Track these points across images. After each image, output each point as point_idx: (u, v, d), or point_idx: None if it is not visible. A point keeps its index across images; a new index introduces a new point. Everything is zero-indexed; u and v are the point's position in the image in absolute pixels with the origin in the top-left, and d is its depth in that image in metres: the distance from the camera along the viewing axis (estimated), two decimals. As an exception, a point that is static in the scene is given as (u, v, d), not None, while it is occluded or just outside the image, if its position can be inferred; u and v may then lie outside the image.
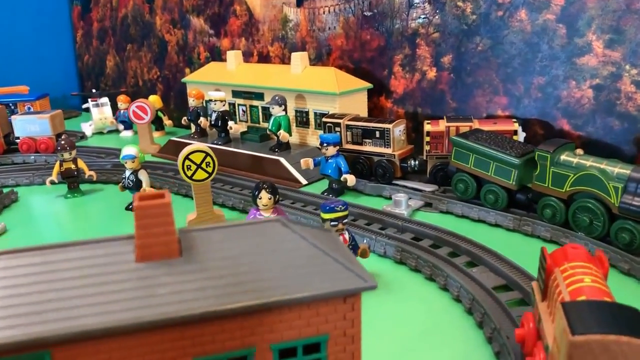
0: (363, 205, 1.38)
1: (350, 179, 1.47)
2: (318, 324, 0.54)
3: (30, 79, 2.87)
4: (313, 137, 1.87)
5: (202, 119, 2.04)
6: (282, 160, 1.73)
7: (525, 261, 1.02)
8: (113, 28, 3.01)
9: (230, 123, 1.90)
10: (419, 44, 1.80)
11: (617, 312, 0.61)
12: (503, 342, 0.80)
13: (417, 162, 1.56)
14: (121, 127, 2.52)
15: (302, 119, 1.90)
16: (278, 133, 1.77)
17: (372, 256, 1.13)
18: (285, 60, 2.19)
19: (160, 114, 2.46)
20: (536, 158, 1.25)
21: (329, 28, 2.03)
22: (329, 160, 1.51)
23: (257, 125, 2.06)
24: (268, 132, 1.84)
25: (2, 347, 0.44)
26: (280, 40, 2.21)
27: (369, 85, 1.87)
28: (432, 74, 1.80)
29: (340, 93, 1.76)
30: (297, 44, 2.15)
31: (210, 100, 1.92)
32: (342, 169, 1.50)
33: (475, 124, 1.50)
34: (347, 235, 1.02)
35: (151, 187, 1.49)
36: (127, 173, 1.47)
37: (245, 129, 2.05)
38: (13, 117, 2.16)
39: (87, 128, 2.54)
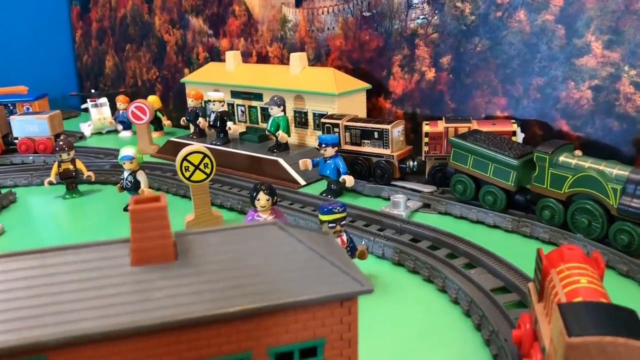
0: (361, 206, 1.38)
1: (349, 180, 1.47)
2: (315, 328, 0.53)
3: (29, 79, 2.87)
4: (312, 138, 1.86)
5: (200, 119, 2.04)
6: (281, 161, 1.73)
7: (524, 262, 1.02)
8: (112, 28, 3.01)
9: (229, 123, 1.90)
10: (418, 45, 1.80)
11: (614, 313, 0.61)
12: (501, 345, 0.79)
13: (415, 163, 1.56)
14: (120, 127, 2.51)
15: (301, 120, 1.90)
16: (277, 134, 1.77)
17: (371, 257, 1.13)
18: (284, 60, 2.18)
19: (159, 114, 2.45)
20: (535, 159, 1.25)
21: (328, 28, 2.03)
22: (328, 161, 1.51)
23: (256, 125, 2.06)
24: (267, 132, 1.84)
25: (-3, 351, 0.44)
26: (279, 41, 2.21)
27: (367, 85, 1.87)
28: (430, 74, 1.80)
29: (339, 94, 1.76)
30: (296, 44, 2.15)
31: (209, 100, 1.92)
32: (341, 169, 1.50)
33: (474, 125, 1.50)
34: (345, 237, 1.02)
35: (149, 187, 1.49)
36: (126, 174, 1.46)
37: (244, 130, 2.05)
38: (12, 117, 2.16)
39: (86, 128, 2.53)
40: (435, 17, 1.74)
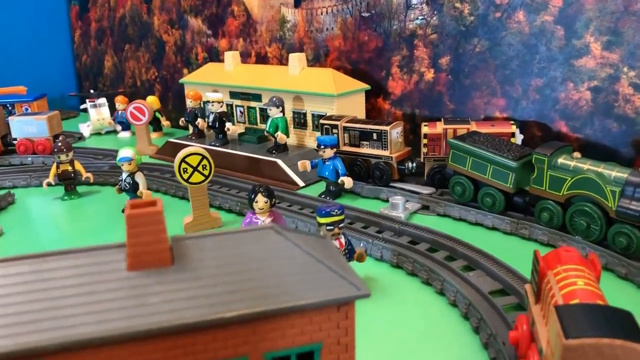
0: (360, 207, 1.38)
1: (348, 182, 1.46)
2: (311, 333, 0.53)
3: (28, 79, 2.86)
4: (310, 139, 1.86)
5: (199, 120, 2.04)
6: (280, 162, 1.72)
7: (522, 265, 1.02)
8: (111, 28, 3.01)
9: (228, 124, 1.90)
10: (417, 45, 1.80)
11: (611, 315, 0.61)
12: (499, 349, 0.79)
13: (414, 165, 1.56)
14: (119, 128, 2.51)
15: (300, 121, 1.89)
16: (275, 135, 1.77)
17: (369, 260, 1.13)
18: (283, 61, 2.18)
19: (158, 115, 2.45)
20: (533, 161, 1.25)
21: (327, 29, 2.03)
22: (326, 163, 1.51)
23: (255, 126, 2.06)
24: (265, 133, 1.84)
25: (-8, 357, 0.44)
26: (278, 41, 2.20)
27: (366, 86, 1.87)
28: (429, 75, 1.80)
29: (337, 94, 1.76)
30: (294, 44, 2.14)
31: (208, 101, 1.92)
32: (340, 171, 1.49)
33: (473, 126, 1.50)
34: (343, 240, 1.02)
35: (148, 189, 1.48)
36: (124, 175, 1.46)
37: (243, 131, 2.04)
38: (10, 118, 2.16)
39: (85, 129, 2.53)
40: (434, 18, 1.74)
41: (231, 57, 2.16)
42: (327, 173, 1.50)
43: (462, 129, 1.49)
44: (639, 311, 0.65)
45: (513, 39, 1.59)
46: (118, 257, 0.53)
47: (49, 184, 1.65)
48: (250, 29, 2.30)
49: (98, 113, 2.55)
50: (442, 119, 1.56)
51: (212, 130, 1.97)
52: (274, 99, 1.77)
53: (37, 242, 1.38)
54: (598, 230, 1.14)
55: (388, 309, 0.98)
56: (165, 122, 2.49)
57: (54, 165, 1.65)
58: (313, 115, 1.85)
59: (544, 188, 1.23)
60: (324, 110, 1.79)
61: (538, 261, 0.77)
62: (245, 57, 2.30)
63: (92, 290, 0.50)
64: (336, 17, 1.99)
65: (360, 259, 1.02)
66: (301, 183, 1.66)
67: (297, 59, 1.93)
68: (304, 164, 1.53)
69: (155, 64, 2.79)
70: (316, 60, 2.08)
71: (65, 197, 1.67)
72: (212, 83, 2.13)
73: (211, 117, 1.92)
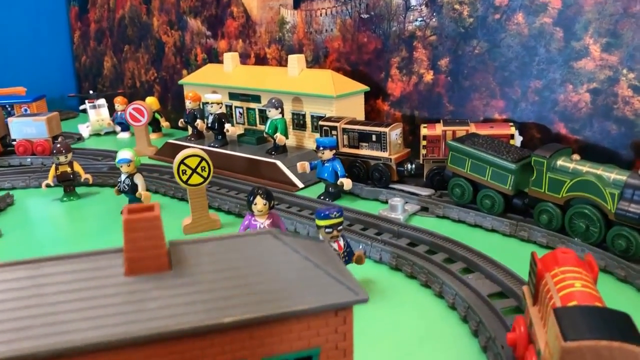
0: (359, 209, 1.38)
1: (347, 183, 1.46)
2: (309, 338, 0.53)
3: (28, 80, 2.86)
4: (310, 140, 1.86)
5: (198, 121, 2.04)
6: (279, 163, 1.72)
7: (521, 267, 1.01)
8: (110, 29, 3.01)
9: (227, 125, 1.90)
10: (416, 47, 1.80)
11: (609, 317, 0.61)
12: (498, 352, 0.79)
13: (413, 166, 1.56)
14: (118, 128, 2.51)
15: (299, 122, 1.89)
16: (275, 136, 1.77)
17: (368, 262, 1.13)
18: (282, 62, 2.18)
19: (157, 115, 2.45)
20: (532, 163, 1.24)
21: (326, 30, 2.03)
22: (326, 164, 1.50)
23: (254, 127, 2.06)
24: (265, 134, 1.84)
25: (-12, 364, 0.44)
26: (278, 43, 2.20)
27: (366, 88, 1.87)
28: (429, 77, 1.80)
29: (337, 96, 1.76)
30: (294, 46, 2.14)
31: (207, 102, 1.92)
32: (339, 172, 1.49)
33: (472, 128, 1.50)
34: (342, 242, 1.02)
35: (147, 190, 1.48)
36: (123, 177, 1.46)
37: (242, 132, 2.04)
38: (9, 119, 2.16)
39: (84, 130, 2.53)
40: (434, 20, 1.74)
41: (230, 58, 2.16)
42: (326, 174, 1.50)
43: (461, 131, 1.49)
44: (638, 313, 0.65)
45: (512, 40, 1.59)
46: (115, 262, 0.53)
47: (48, 185, 1.65)
48: (249, 30, 2.30)
49: (97, 114, 2.55)
50: (441, 121, 1.56)
51: (211, 132, 1.97)
52: (273, 100, 1.77)
53: (36, 244, 1.37)
54: (597, 232, 1.14)
55: (387, 311, 0.98)
56: (164, 123, 2.49)
57: (53, 166, 1.65)
58: (312, 116, 1.85)
59: (543, 190, 1.23)
60: (323, 112, 1.79)
61: (535, 263, 0.77)
62: (244, 58, 2.30)
63: (89, 295, 0.50)
64: (335, 18, 1.99)
65: (359, 261, 1.02)
66: (300, 184, 1.66)
67: (296, 61, 1.92)
68: (303, 166, 1.53)
69: (155, 65, 2.79)
70: (315, 61, 2.08)
71: (65, 199, 1.67)
72: (211, 84, 2.13)
73: (210, 118, 1.92)
